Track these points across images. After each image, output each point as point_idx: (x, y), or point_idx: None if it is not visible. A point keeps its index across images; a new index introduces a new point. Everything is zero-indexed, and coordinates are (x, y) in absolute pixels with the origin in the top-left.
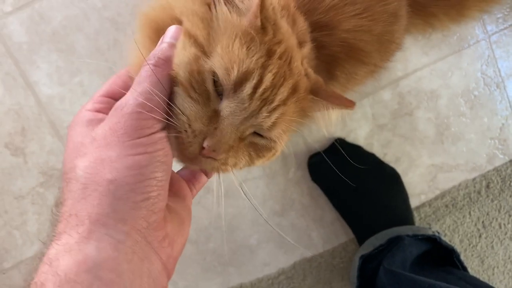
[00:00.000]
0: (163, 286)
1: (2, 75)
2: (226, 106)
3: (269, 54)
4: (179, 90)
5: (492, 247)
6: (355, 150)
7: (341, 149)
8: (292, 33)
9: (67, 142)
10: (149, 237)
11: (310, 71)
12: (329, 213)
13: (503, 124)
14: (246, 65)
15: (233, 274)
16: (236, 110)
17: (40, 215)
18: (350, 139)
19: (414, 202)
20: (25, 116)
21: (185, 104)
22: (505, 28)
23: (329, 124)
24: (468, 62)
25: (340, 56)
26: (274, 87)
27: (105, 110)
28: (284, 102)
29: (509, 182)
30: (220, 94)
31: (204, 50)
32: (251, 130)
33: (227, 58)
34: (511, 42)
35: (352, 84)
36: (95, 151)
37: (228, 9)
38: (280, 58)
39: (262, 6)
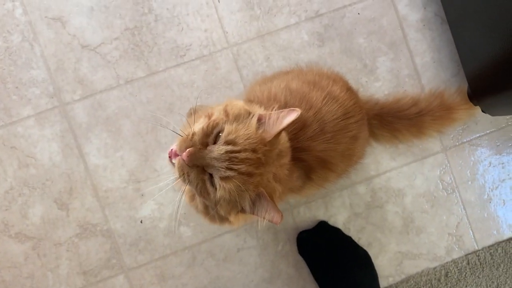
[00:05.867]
0: None
1: (63, 146)
2: (213, 147)
3: (254, 151)
4: (201, 123)
5: None
6: (335, 232)
7: (324, 230)
8: (276, 165)
9: None
10: None
11: (269, 190)
12: (310, 285)
13: (458, 222)
14: (239, 139)
15: None
16: (214, 152)
17: (71, 261)
18: (331, 222)
19: (382, 283)
20: (74, 179)
21: (199, 128)
22: (459, 145)
23: (262, 223)
24: (429, 168)
25: (315, 166)
26: (241, 161)
27: None
28: (239, 173)
29: (465, 273)
30: (215, 142)
31: (227, 120)
32: (212, 170)
33: (234, 129)
34: (463, 156)
35: (326, 184)
36: None
37: (257, 124)
38: (257, 157)
39: (276, 138)
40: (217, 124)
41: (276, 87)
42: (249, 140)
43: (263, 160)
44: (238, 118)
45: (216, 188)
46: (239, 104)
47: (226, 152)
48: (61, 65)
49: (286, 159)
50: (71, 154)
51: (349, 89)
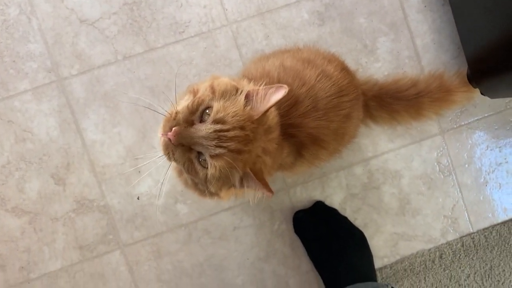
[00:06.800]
0: None
1: (60, 121)
2: (199, 125)
3: (242, 128)
4: (186, 101)
5: None
6: (331, 213)
7: (319, 210)
8: (264, 140)
9: None
10: None
11: (259, 164)
12: (305, 264)
13: (454, 205)
14: (228, 118)
15: None
16: (202, 131)
17: (68, 236)
18: (328, 202)
19: (377, 263)
20: (71, 154)
21: (182, 105)
22: (457, 128)
23: (254, 198)
24: (426, 151)
25: (306, 143)
26: (229, 139)
27: None
28: (228, 150)
29: (459, 255)
30: (202, 121)
31: (214, 97)
32: (200, 148)
33: (222, 108)
34: (461, 138)
35: (318, 162)
36: None
37: (245, 100)
38: (245, 135)
39: (264, 115)
40: (203, 101)
41: (270, 65)
42: (237, 118)
43: (251, 137)
44: (225, 94)
45: (204, 167)
46: (225, 80)
47: (215, 131)
48: (59, 39)
49: (275, 134)
50: (68, 129)
51: (344, 69)
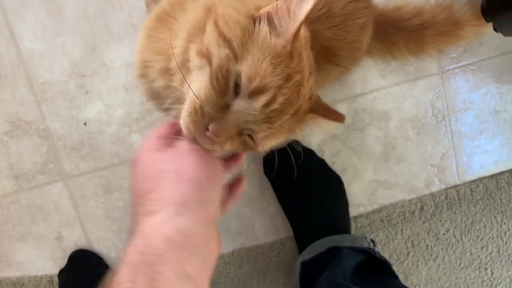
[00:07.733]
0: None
1: None
2: (238, 105)
3: (288, 79)
4: (202, 77)
5: (417, 266)
6: (308, 154)
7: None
8: (307, 63)
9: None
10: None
11: (314, 93)
12: (273, 207)
13: (444, 154)
14: (267, 81)
15: None
16: (245, 112)
17: (0, 162)
18: (305, 143)
19: (353, 212)
20: (3, 65)
21: (203, 89)
22: (458, 67)
23: (326, 130)
24: (421, 91)
25: (319, 59)
26: (281, 111)
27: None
28: (281, 125)
29: (441, 208)
30: (236, 93)
31: (236, 55)
32: (248, 132)
33: (254, 70)
34: (461, 80)
35: (324, 82)
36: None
37: (269, 30)
38: (294, 84)
39: (296, 37)
40: (228, 72)
41: None
42: (277, 71)
43: (301, 80)
44: (245, 39)
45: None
46: (232, 12)
47: (262, 110)
48: None
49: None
50: None
51: None
